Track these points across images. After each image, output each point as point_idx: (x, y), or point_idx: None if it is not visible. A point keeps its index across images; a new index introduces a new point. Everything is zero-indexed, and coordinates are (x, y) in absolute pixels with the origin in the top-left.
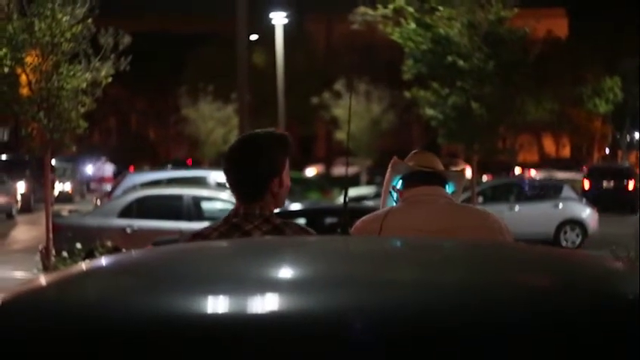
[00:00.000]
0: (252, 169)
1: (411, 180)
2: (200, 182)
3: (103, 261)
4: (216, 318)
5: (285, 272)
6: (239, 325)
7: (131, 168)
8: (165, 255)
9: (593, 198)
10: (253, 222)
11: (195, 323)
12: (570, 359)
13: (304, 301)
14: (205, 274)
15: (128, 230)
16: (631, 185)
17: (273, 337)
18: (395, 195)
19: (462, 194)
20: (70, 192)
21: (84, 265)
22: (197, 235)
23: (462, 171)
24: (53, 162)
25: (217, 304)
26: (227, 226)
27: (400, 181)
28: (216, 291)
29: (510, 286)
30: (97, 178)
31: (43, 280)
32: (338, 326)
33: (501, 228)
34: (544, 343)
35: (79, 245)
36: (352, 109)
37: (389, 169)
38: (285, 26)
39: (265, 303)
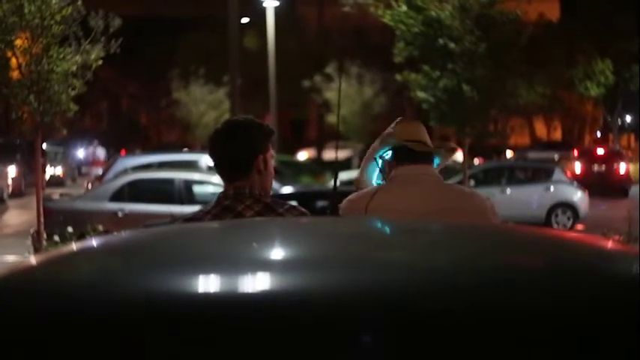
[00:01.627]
0: (236, 146)
1: (400, 157)
2: (191, 166)
3: (94, 241)
4: (206, 298)
5: (276, 252)
6: (230, 304)
7: (122, 152)
8: (156, 236)
9: (583, 181)
10: (245, 202)
11: (186, 303)
12: (567, 340)
13: (295, 281)
14: (196, 254)
15: (119, 214)
16: (622, 168)
17: (266, 317)
18: (380, 163)
19: (445, 168)
20: (61, 176)
21: (74, 246)
22: (190, 220)
23: (452, 150)
24: (44, 146)
25: (208, 284)
26: (219, 208)
27: (390, 152)
28: (206, 271)
29: (506, 267)
30: (89, 161)
31: (33, 260)
32: (329, 307)
33: (486, 209)
34: (540, 324)
35: (70, 229)
36: (344, 93)
37: (378, 140)
38: (277, 9)
39: (257, 283)
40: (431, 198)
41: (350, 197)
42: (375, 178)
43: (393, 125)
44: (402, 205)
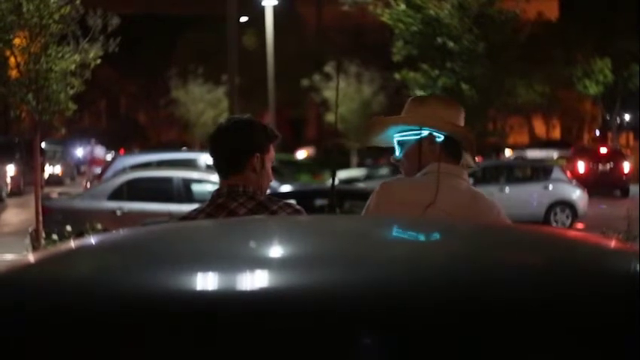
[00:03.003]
0: (231, 142)
1: (449, 150)
2: (190, 164)
3: (92, 239)
4: (204, 295)
5: (273, 250)
6: (226, 302)
7: (121, 151)
8: (154, 233)
9: (582, 180)
10: (238, 199)
11: (183, 300)
12: (565, 336)
13: (292, 278)
14: (193, 252)
15: (118, 213)
16: (626, 167)
17: (263, 314)
18: (399, 148)
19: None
20: (60, 174)
21: (72, 244)
22: (184, 218)
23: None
24: (43, 145)
25: (205, 282)
26: (213, 206)
27: (440, 136)
28: (204, 268)
29: (507, 265)
30: (87, 160)
31: (31, 257)
32: (327, 303)
33: (499, 214)
34: (539, 321)
35: (69, 228)
36: (343, 92)
37: (416, 114)
38: (276, 8)
39: (254, 280)
40: (466, 207)
41: (396, 183)
42: (396, 147)
43: (434, 102)
44: (452, 210)
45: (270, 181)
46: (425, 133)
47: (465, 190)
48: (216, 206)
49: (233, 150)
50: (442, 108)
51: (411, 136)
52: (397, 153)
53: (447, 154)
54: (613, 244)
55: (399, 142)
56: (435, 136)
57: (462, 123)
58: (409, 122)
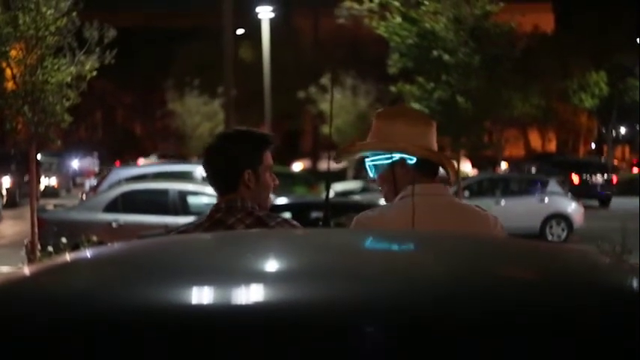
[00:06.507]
0: (221, 161)
1: (422, 170)
2: (186, 177)
3: (88, 252)
4: (200, 309)
5: (270, 264)
6: (223, 315)
7: (117, 162)
8: (150, 246)
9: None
10: (236, 215)
11: (180, 314)
12: (556, 351)
13: (289, 292)
14: (190, 265)
15: (114, 225)
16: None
17: (259, 328)
18: (372, 170)
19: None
20: (55, 186)
21: (68, 256)
22: (181, 233)
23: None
24: (39, 156)
25: (202, 295)
26: (210, 221)
27: (412, 159)
28: (200, 282)
29: (497, 279)
30: (84, 172)
31: (27, 270)
32: (323, 317)
33: (498, 231)
34: (528, 335)
35: (64, 240)
36: (339, 104)
37: (378, 140)
38: (272, 20)
39: (250, 294)
40: (449, 223)
41: (368, 219)
42: (370, 169)
43: (401, 121)
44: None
45: (271, 187)
46: (396, 157)
47: (446, 206)
48: (213, 222)
49: (222, 172)
50: (409, 126)
51: (382, 160)
52: (370, 174)
53: (422, 174)
54: (604, 258)
55: (372, 166)
56: (406, 159)
57: (432, 138)
58: (378, 148)
